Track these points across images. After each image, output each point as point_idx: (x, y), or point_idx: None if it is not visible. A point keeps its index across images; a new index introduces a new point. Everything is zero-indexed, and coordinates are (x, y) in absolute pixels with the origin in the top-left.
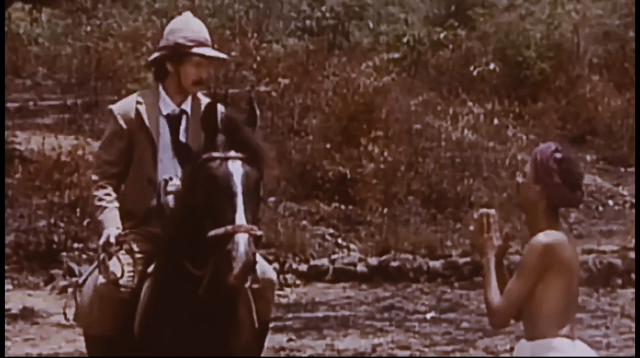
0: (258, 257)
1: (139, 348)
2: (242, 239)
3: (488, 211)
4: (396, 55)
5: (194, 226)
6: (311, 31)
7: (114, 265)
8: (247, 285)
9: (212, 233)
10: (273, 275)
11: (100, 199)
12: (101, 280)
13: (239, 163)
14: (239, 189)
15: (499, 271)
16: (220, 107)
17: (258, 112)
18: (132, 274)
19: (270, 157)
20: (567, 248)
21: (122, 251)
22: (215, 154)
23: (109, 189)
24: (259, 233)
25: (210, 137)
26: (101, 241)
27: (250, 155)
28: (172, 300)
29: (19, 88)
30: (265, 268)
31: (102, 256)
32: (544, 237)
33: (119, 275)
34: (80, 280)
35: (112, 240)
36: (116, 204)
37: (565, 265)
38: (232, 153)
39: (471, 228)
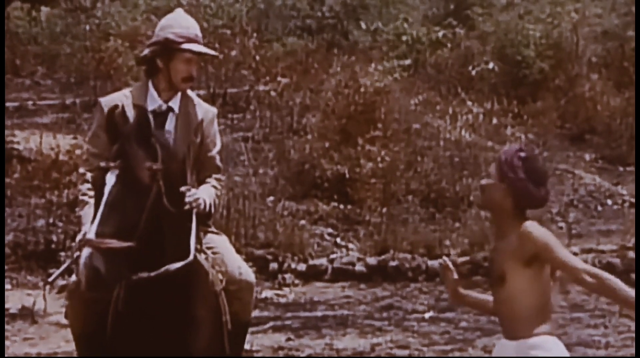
0: (236, 257)
1: (111, 348)
2: (84, 253)
3: (445, 261)
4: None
5: None
6: (310, 30)
7: None
8: (218, 287)
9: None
10: (251, 277)
11: (83, 194)
12: (73, 278)
13: (115, 172)
14: (104, 200)
15: (471, 298)
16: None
17: (152, 123)
18: None
19: (145, 169)
20: None
21: None
22: (102, 163)
23: None
24: (112, 244)
25: (112, 144)
26: (77, 238)
27: (130, 165)
28: (137, 300)
29: (18, 87)
30: (242, 270)
31: (75, 254)
32: (533, 224)
33: None
34: (51, 279)
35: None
36: None
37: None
38: (112, 163)
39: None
